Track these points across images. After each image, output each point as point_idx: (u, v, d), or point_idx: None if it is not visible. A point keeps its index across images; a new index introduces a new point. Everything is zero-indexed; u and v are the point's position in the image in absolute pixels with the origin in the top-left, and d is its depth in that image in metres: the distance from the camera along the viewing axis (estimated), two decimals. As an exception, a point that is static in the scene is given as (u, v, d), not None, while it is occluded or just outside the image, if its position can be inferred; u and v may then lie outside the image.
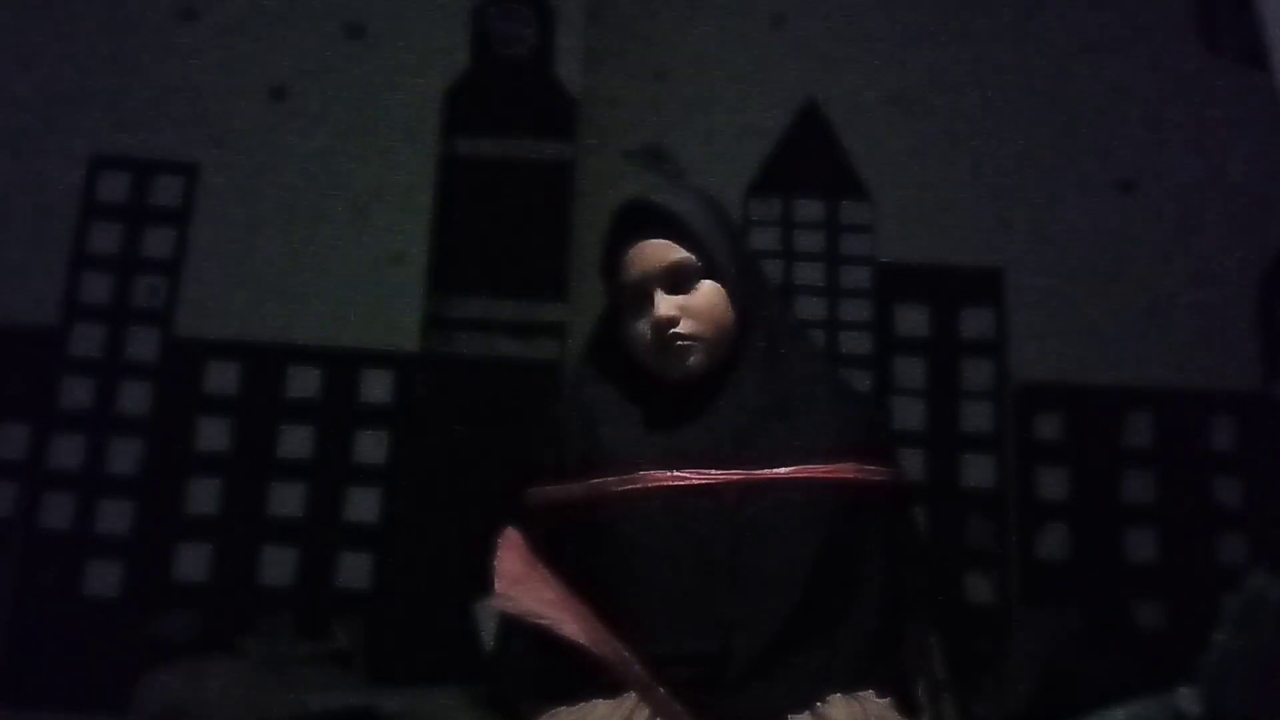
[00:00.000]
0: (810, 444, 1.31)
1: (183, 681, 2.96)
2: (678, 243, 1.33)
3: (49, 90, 3.61)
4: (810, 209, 3.77)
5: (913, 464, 3.47)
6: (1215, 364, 3.53)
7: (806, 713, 1.21)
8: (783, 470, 1.28)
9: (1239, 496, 3.45)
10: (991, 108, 3.77)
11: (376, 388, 3.49)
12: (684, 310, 1.32)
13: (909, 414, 3.59)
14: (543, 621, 1.25)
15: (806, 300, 3.64)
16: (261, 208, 3.58)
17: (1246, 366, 3.54)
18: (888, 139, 3.77)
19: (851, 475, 1.31)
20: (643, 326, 1.33)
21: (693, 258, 1.34)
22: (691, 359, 1.31)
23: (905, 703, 1.30)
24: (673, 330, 1.31)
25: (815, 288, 3.69)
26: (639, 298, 1.34)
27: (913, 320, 3.68)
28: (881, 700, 1.25)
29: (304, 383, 3.49)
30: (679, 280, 1.33)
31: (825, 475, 1.30)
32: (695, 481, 1.28)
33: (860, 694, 1.25)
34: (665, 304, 1.32)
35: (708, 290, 1.33)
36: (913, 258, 3.70)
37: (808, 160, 3.78)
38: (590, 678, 1.23)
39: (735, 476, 1.28)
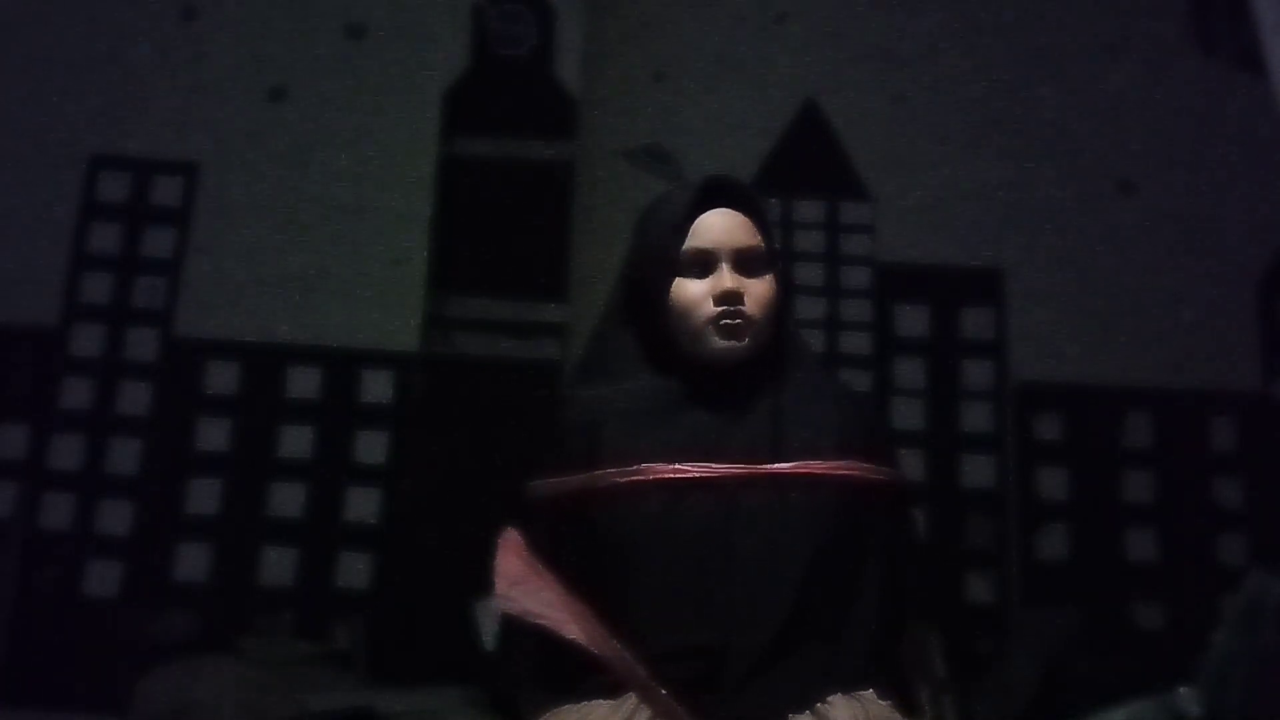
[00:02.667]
0: (812, 442, 1.31)
1: (183, 681, 2.95)
2: (754, 226, 1.36)
3: (49, 90, 3.61)
4: (810, 209, 3.77)
5: (913, 464, 3.47)
6: (1215, 364, 3.53)
7: (807, 712, 1.21)
8: (784, 466, 1.29)
9: (1239, 496, 3.45)
10: (991, 108, 3.77)
11: (376, 388, 3.49)
12: (747, 291, 1.33)
13: (909, 414, 3.59)
14: (543, 622, 1.25)
15: (806, 300, 3.64)
16: (261, 208, 3.58)
17: (1246, 366, 3.54)
18: (888, 139, 3.77)
19: (853, 473, 1.32)
20: (700, 293, 1.33)
21: (763, 244, 1.36)
22: (744, 339, 1.33)
23: (906, 703, 1.30)
24: (738, 305, 1.32)
25: (815, 288, 3.69)
26: (702, 266, 1.35)
27: (913, 320, 3.68)
28: (883, 701, 1.26)
29: (304, 383, 3.48)
30: (748, 262, 1.35)
31: (827, 472, 1.30)
32: (695, 474, 1.28)
33: (861, 694, 1.25)
34: (734, 278, 1.33)
35: (769, 280, 1.35)
36: (913, 258, 3.70)
37: (808, 160, 3.78)
38: (590, 678, 1.23)
39: (736, 470, 1.28)
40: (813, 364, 1.46)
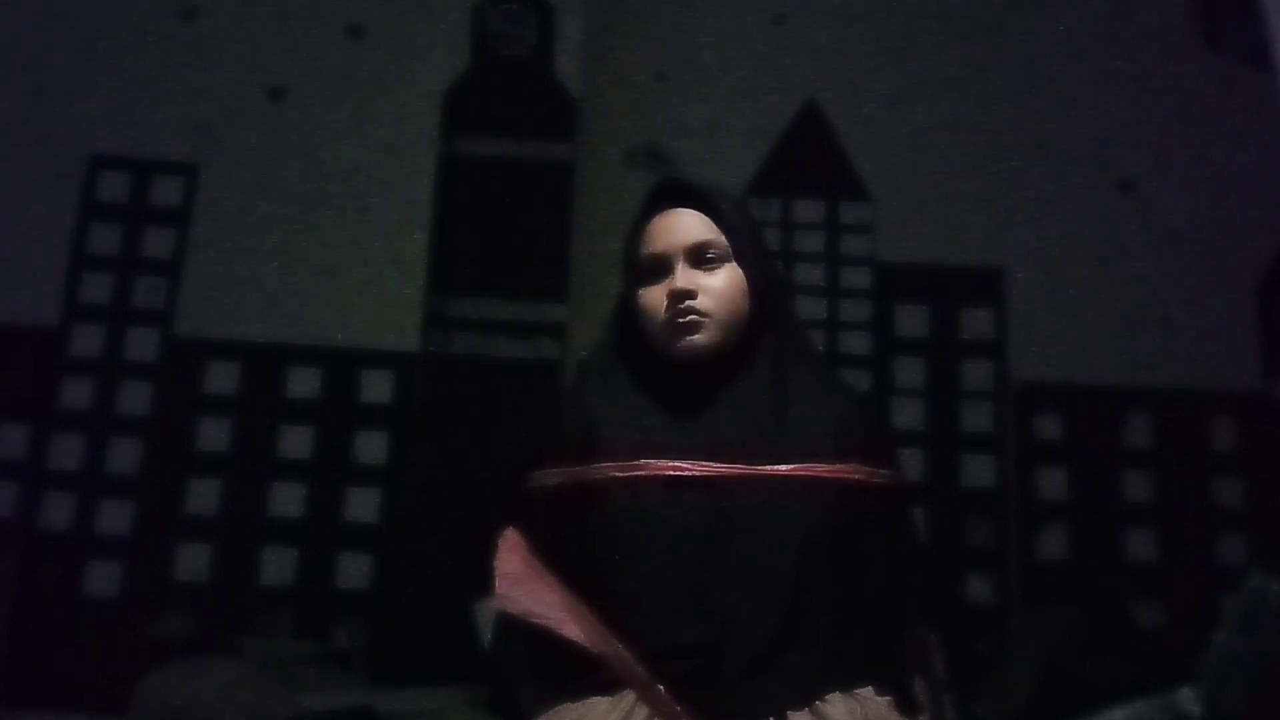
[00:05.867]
0: (811, 443, 1.31)
1: (183, 681, 2.95)
2: (709, 222, 1.35)
3: (49, 90, 3.61)
4: (810, 209, 3.77)
5: (913, 464, 3.47)
6: (1215, 364, 3.53)
7: (805, 710, 1.21)
8: (784, 468, 1.29)
9: (1239, 496, 3.45)
10: (991, 107, 3.77)
11: (376, 388, 3.49)
12: (702, 288, 1.33)
13: (909, 414, 3.59)
14: (542, 622, 1.25)
15: (806, 300, 3.64)
16: (261, 208, 3.58)
17: (1246, 366, 3.54)
18: (888, 139, 3.77)
19: (852, 476, 1.32)
20: (658, 297, 1.34)
21: (721, 238, 1.35)
22: (700, 335, 1.32)
23: (904, 702, 1.30)
24: (688, 303, 1.32)
25: (815, 288, 3.69)
26: (660, 269, 1.35)
27: (913, 320, 3.68)
28: (881, 699, 1.26)
29: (304, 383, 3.48)
30: (703, 257, 1.34)
31: (826, 475, 1.30)
32: (694, 473, 1.28)
33: (859, 692, 1.25)
34: (685, 276, 1.33)
35: (729, 272, 1.35)
36: (913, 258, 3.70)
37: (808, 160, 3.78)
38: (589, 675, 1.24)
39: (735, 470, 1.28)
40: (813, 360, 1.45)
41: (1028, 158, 3.73)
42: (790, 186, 3.77)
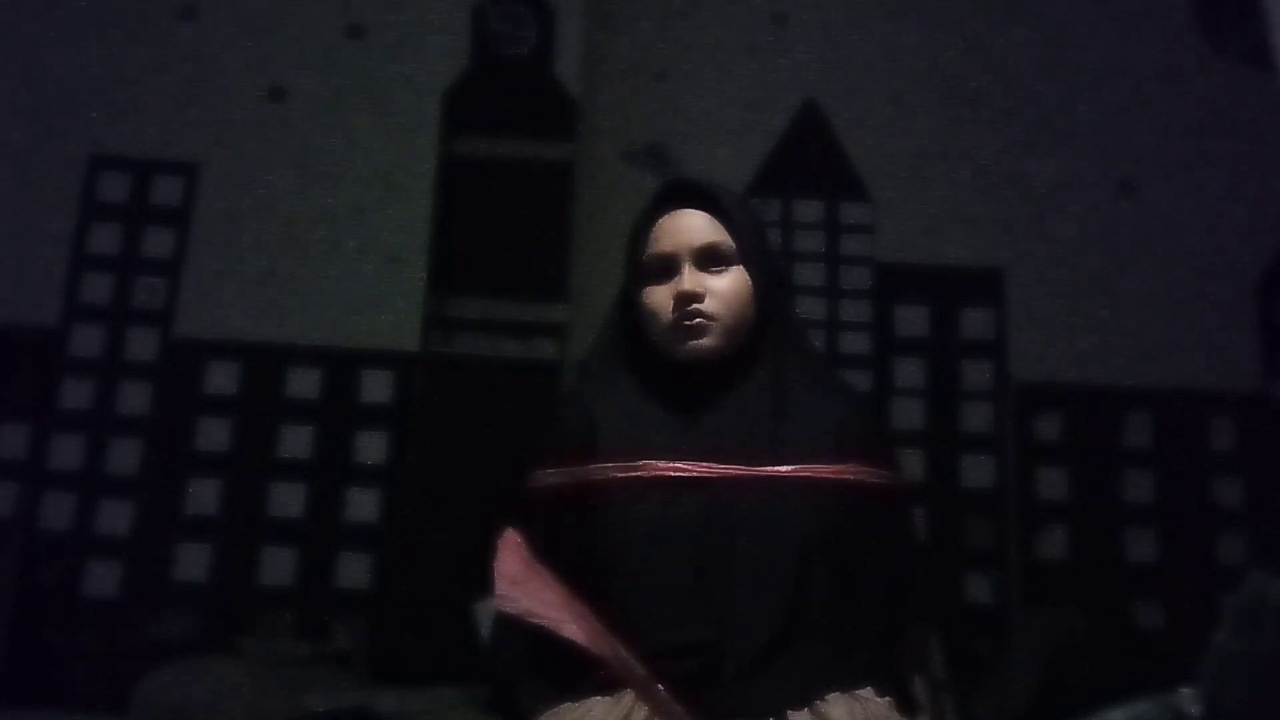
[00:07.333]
0: (812, 444, 1.31)
1: (183, 681, 2.95)
2: (717, 223, 1.35)
3: (49, 90, 3.61)
4: (810, 209, 3.77)
5: (913, 464, 3.47)
6: (1215, 364, 3.53)
7: (805, 710, 1.21)
8: (784, 469, 1.29)
9: (1239, 496, 3.45)
10: (991, 107, 3.77)
11: (376, 388, 3.49)
12: (709, 290, 1.33)
13: (909, 414, 3.58)
14: (542, 622, 1.25)
15: (806, 300, 3.64)
16: (261, 208, 3.58)
17: (1246, 366, 3.54)
18: (888, 139, 3.77)
19: (852, 477, 1.32)
20: (664, 297, 1.34)
21: (728, 240, 1.35)
22: (705, 338, 1.32)
23: (904, 702, 1.31)
24: (694, 305, 1.32)
25: (815, 288, 3.69)
26: (666, 270, 1.35)
27: (913, 320, 3.68)
28: (881, 699, 1.26)
29: (304, 383, 3.48)
30: (711, 259, 1.34)
31: (826, 475, 1.30)
32: (694, 474, 1.28)
33: (859, 692, 1.25)
34: (692, 278, 1.33)
35: (736, 275, 1.35)
36: (913, 258, 3.70)
37: (808, 160, 3.78)
38: (589, 675, 1.24)
39: (735, 471, 1.28)
40: (813, 361, 1.45)
41: (1028, 157, 3.73)
42: (790, 186, 3.77)
